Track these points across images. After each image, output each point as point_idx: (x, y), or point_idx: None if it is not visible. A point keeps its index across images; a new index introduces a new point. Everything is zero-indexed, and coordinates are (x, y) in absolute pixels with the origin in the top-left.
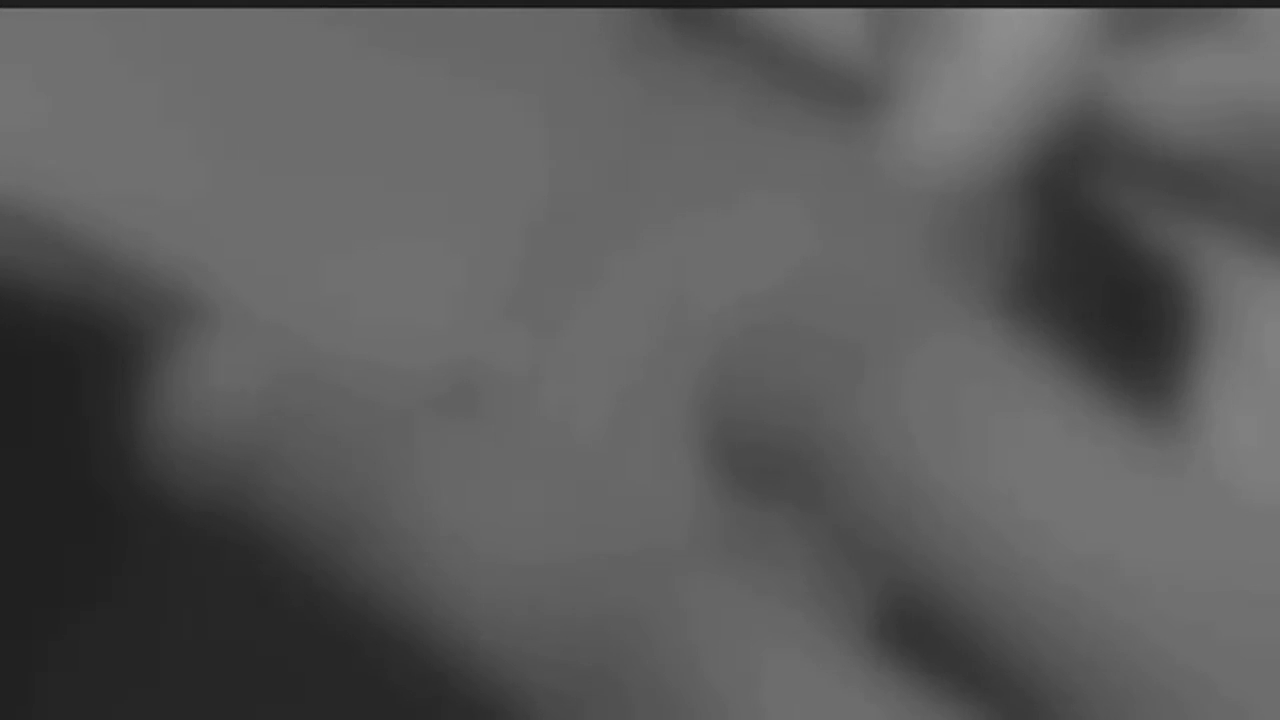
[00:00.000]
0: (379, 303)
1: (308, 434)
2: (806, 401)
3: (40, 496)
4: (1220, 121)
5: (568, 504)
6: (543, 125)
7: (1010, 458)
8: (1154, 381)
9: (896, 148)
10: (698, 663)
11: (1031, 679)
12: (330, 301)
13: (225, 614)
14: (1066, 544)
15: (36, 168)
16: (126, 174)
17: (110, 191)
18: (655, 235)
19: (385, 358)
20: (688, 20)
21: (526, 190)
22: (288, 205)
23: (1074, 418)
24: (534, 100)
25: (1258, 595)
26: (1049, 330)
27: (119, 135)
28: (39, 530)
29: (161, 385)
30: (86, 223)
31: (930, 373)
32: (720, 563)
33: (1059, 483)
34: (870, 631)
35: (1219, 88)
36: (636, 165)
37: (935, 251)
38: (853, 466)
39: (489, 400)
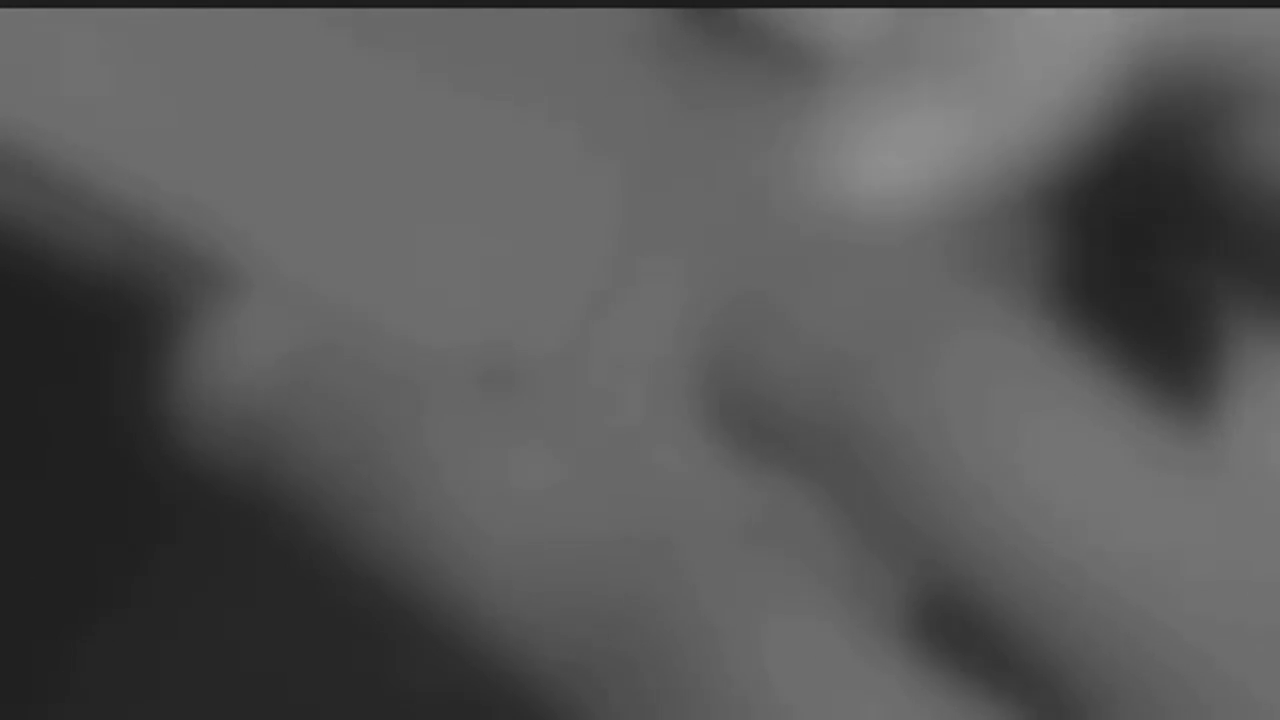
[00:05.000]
0: (418, 278)
1: (330, 402)
2: (840, 383)
3: (73, 465)
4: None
5: (587, 484)
6: (577, 122)
7: (1044, 453)
8: (1187, 381)
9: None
10: (715, 647)
11: (1063, 678)
12: (368, 273)
13: (240, 583)
14: (1099, 541)
15: (71, 135)
16: (162, 140)
17: (145, 158)
18: (684, 233)
19: (421, 334)
20: (714, 21)
21: (562, 185)
22: (329, 178)
23: (1108, 415)
24: (568, 99)
25: None
26: (1084, 329)
27: (157, 103)
28: (73, 501)
29: (193, 352)
30: (120, 189)
31: (965, 364)
32: (745, 548)
33: (1092, 480)
34: (903, 627)
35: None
36: (667, 163)
37: (969, 254)
38: (884, 453)
39: (522, 381)
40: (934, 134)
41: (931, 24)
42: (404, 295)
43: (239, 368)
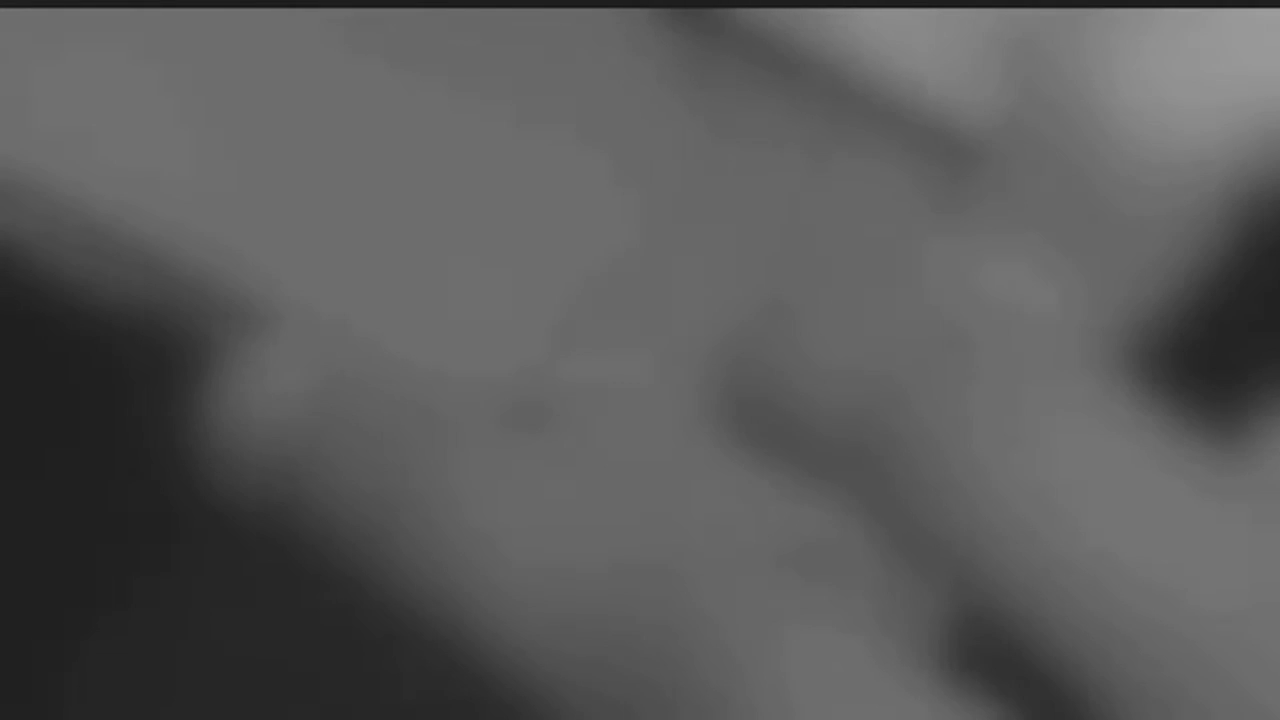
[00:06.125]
0: (445, 309)
1: (356, 435)
2: (873, 400)
3: (93, 498)
4: None
5: (613, 511)
6: (605, 154)
7: (1077, 475)
8: (1221, 403)
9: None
10: (739, 670)
11: (1091, 701)
12: (394, 306)
13: (266, 614)
14: (1131, 567)
15: (98, 172)
16: (188, 177)
17: (172, 195)
18: (710, 266)
19: (448, 365)
20: (754, 55)
21: (589, 217)
22: (352, 211)
23: (1140, 436)
24: (595, 131)
25: None
26: (1119, 356)
27: (180, 140)
28: (91, 531)
29: (217, 387)
30: (149, 227)
31: (997, 384)
32: (771, 571)
33: (1124, 501)
34: (932, 648)
35: None
36: (694, 194)
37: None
38: (915, 471)
39: (552, 412)
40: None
41: (1038, 108)
42: (431, 327)
43: (266, 402)
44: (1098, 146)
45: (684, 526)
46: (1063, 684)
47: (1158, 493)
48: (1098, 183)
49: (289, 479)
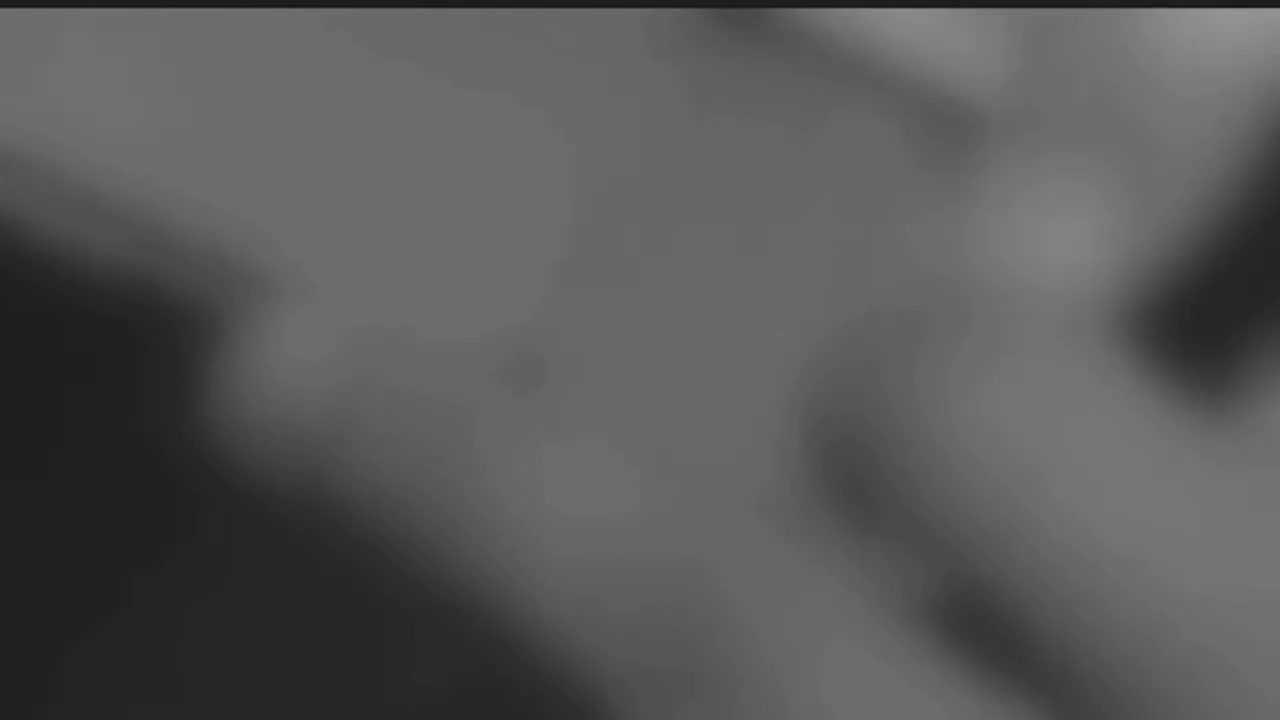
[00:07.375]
0: (439, 277)
1: (386, 402)
2: (876, 395)
3: (103, 471)
4: None
5: (635, 468)
6: (577, 121)
7: (1073, 453)
8: (1212, 373)
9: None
10: (757, 644)
11: (1085, 677)
12: (391, 274)
13: (299, 587)
14: (1126, 542)
15: (101, 145)
16: (189, 149)
17: (175, 167)
18: (687, 231)
19: (444, 330)
20: (749, 21)
21: (556, 187)
22: (346, 181)
23: (1140, 414)
24: (568, 99)
25: None
26: (1114, 330)
27: (181, 111)
28: (102, 505)
29: (229, 359)
30: (150, 198)
31: (987, 359)
32: (783, 544)
33: (1121, 480)
34: (929, 623)
35: None
36: (672, 163)
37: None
38: (915, 457)
39: (549, 369)
40: (1085, 203)
41: (1055, 63)
42: (424, 293)
43: (282, 371)
44: (1129, 75)
45: (694, 479)
46: (1052, 655)
47: (1152, 468)
48: (1133, 109)
49: (324, 449)
